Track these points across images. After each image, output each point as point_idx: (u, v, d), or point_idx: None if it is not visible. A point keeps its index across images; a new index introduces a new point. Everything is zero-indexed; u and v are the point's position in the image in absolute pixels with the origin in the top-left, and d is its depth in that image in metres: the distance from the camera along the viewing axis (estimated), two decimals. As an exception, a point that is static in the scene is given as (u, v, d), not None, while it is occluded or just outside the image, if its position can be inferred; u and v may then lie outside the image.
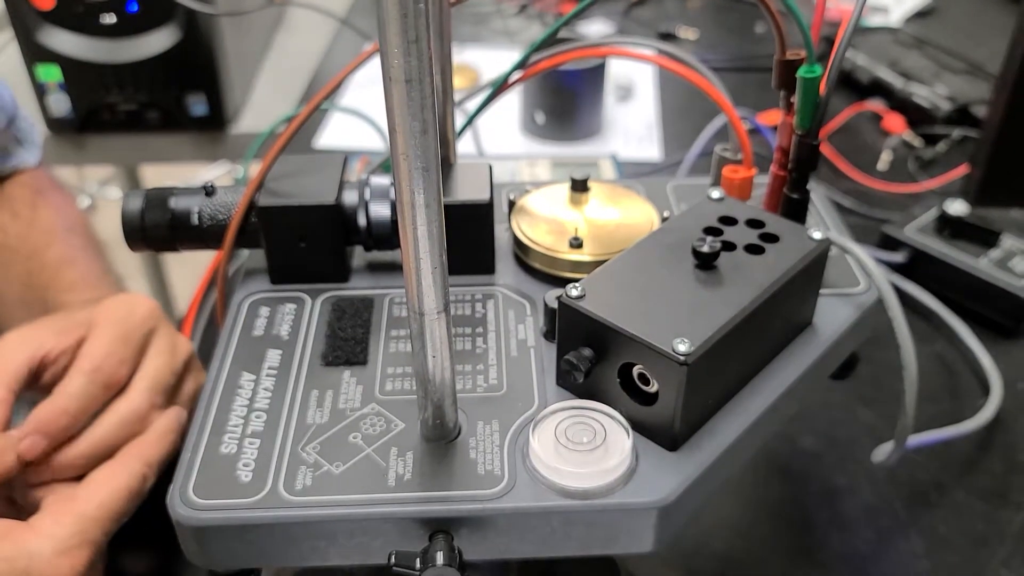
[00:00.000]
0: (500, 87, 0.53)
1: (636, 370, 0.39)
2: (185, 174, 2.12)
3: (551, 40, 0.52)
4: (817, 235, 0.43)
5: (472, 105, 0.55)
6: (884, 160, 0.94)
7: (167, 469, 0.49)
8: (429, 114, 0.30)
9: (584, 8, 0.51)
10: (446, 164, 0.50)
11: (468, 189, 0.47)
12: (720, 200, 0.46)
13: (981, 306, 0.72)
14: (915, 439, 0.58)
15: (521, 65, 0.53)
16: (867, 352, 0.58)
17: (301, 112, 0.47)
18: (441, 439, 0.39)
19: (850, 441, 0.63)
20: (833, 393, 0.67)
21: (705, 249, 0.40)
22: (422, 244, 0.33)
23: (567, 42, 0.54)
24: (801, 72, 0.46)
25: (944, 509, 0.58)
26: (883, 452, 0.50)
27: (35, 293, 0.67)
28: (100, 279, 0.67)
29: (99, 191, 2.24)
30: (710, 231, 0.44)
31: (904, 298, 0.74)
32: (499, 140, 0.94)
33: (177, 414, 0.52)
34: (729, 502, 0.60)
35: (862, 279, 0.49)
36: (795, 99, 0.47)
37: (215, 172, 2.00)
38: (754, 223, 0.44)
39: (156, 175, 2.20)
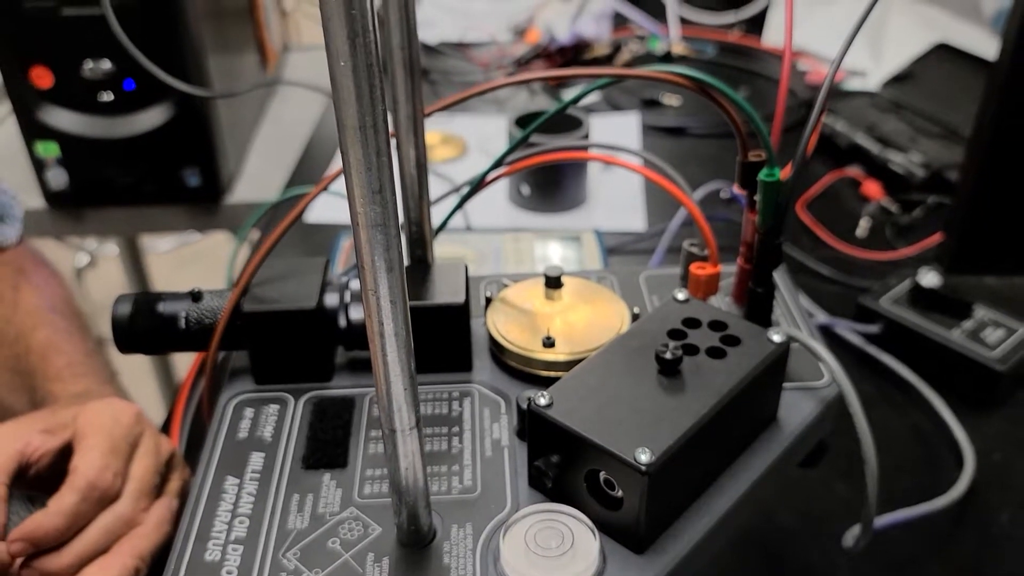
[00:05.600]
0: (477, 186, 0.56)
1: (602, 476, 0.40)
2: (183, 237, 2.16)
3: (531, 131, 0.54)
4: (777, 338, 0.45)
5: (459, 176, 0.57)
6: (863, 227, 0.96)
7: (161, 558, 0.51)
8: (395, 253, 0.32)
9: (562, 110, 0.54)
10: (423, 265, 0.52)
11: (444, 291, 0.49)
12: (685, 302, 0.48)
13: (955, 377, 0.73)
14: (888, 518, 0.60)
15: (498, 165, 0.56)
16: (843, 427, 0.59)
17: (283, 220, 0.50)
18: (416, 544, 0.41)
19: (826, 516, 0.64)
20: (810, 468, 0.68)
21: (668, 356, 0.42)
22: (392, 368, 0.35)
23: (551, 135, 0.56)
24: (761, 176, 0.48)
25: (919, 586, 0.60)
26: (851, 537, 0.51)
27: (21, 379, 0.68)
28: (85, 365, 0.68)
29: (98, 248, 2.27)
30: (674, 334, 0.45)
31: (880, 369, 0.76)
32: (486, 212, 0.96)
33: (168, 504, 0.54)
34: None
35: (825, 371, 0.50)
36: (757, 199, 0.49)
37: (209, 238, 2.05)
38: (716, 325, 0.46)
39: (154, 239, 2.24)
